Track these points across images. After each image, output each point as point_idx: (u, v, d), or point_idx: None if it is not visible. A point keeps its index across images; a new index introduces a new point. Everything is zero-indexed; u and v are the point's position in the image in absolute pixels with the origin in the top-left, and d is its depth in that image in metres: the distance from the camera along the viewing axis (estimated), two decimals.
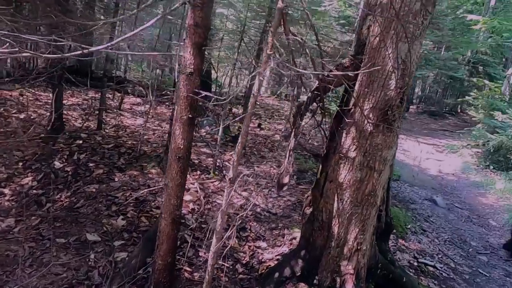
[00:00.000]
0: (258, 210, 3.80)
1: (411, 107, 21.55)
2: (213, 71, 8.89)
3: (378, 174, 2.39)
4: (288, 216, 3.79)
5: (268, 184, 4.30)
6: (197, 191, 3.92)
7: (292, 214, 3.84)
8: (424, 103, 23.05)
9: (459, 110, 20.14)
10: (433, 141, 11.99)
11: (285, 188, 2.50)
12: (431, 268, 3.48)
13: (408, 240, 3.97)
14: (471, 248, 4.33)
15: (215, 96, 1.87)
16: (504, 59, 19.26)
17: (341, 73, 2.13)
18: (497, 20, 10.35)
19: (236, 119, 5.77)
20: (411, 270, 3.30)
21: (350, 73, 2.09)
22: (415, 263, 3.47)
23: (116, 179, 3.89)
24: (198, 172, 4.47)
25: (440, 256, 3.88)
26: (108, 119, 6.06)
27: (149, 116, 5.04)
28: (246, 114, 2.07)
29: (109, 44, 1.65)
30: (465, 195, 6.63)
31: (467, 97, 10.25)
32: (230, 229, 2.16)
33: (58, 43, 1.49)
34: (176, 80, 4.15)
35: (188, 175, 3.40)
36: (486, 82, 11.41)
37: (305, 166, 5.39)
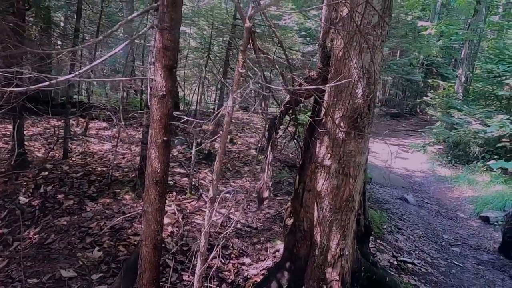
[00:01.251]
0: (239, 226, 3.77)
1: (373, 110, 22.35)
2: (179, 90, 8.84)
3: (353, 180, 2.47)
4: (269, 229, 3.80)
5: (246, 199, 4.29)
6: (174, 213, 3.84)
7: (273, 226, 3.85)
8: (385, 105, 24.11)
9: (418, 110, 21.24)
10: (398, 142, 12.54)
11: (265, 202, 2.51)
12: (410, 265, 3.60)
13: (386, 240, 4.10)
14: (444, 241, 4.53)
15: (189, 118, 1.87)
16: (453, 60, 20.64)
17: (312, 87, 2.21)
18: (444, 24, 11.14)
19: (213, 137, 5.77)
20: (391, 269, 3.39)
21: (321, 87, 2.16)
22: (395, 262, 3.58)
23: (88, 209, 3.73)
24: (174, 193, 4.38)
25: (417, 252, 4.03)
26: (73, 146, 5.82)
27: (117, 141, 4.90)
28: (222, 133, 2.09)
29: (77, 72, 1.61)
30: (433, 191, 6.96)
31: (425, 98, 10.87)
32: (214, 248, 2.14)
33: (23, 76, 1.43)
34: (148, 103, 4.10)
35: None
36: (441, 82, 12.20)
37: (280, 177, 5.44)
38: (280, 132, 2.84)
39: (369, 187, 6.38)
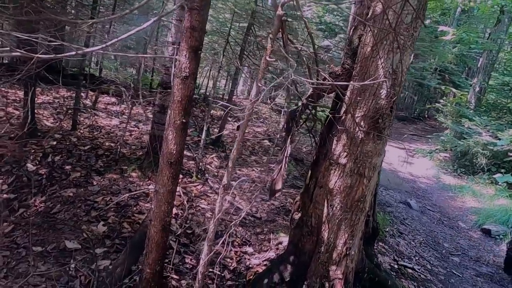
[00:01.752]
0: (243, 214, 3.76)
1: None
2: None
3: (367, 181, 2.44)
4: (273, 220, 3.79)
5: (258, 190, 4.28)
6: (180, 196, 3.84)
7: (277, 218, 3.85)
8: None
9: (426, 116, 21.05)
10: (402, 146, 12.46)
11: (277, 194, 2.49)
12: (410, 270, 3.60)
13: (388, 243, 4.09)
14: (444, 250, 4.53)
15: (219, 101, 1.83)
16: (467, 68, 20.35)
17: (338, 83, 2.16)
18: (465, 31, 10.94)
19: (222, 124, 5.70)
20: (392, 273, 3.39)
21: (347, 84, 2.12)
22: (396, 266, 3.58)
23: (95, 183, 3.73)
24: (181, 176, 4.37)
25: (417, 258, 4.03)
26: (82, 119, 5.81)
27: (128, 117, 4.87)
28: (242, 121, 2.06)
29: (104, 45, 1.57)
30: (436, 198, 6.93)
31: (436, 104, 10.75)
32: (224, 236, 2.13)
33: (52, 43, 1.40)
34: (165, 83, 4.05)
35: None
36: (454, 90, 12.03)
37: (287, 171, 5.42)
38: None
39: None
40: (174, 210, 3.53)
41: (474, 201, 6.85)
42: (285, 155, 2.27)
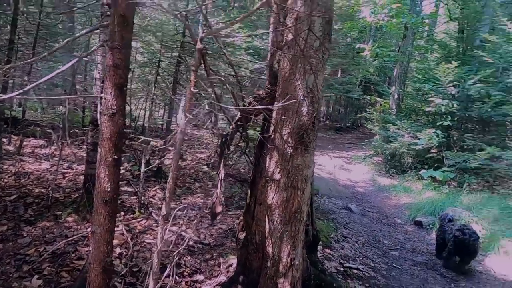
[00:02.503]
0: (191, 243, 3.74)
1: (319, 125, 23.57)
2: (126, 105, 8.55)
3: (301, 192, 2.62)
4: (222, 244, 3.81)
5: (199, 215, 4.27)
6: (123, 234, 3.70)
7: (225, 241, 3.88)
8: (330, 120, 25.45)
9: (359, 124, 22.69)
10: (342, 154, 13.27)
11: (219, 217, 2.56)
12: (355, 271, 3.84)
13: (333, 248, 4.32)
14: (384, 246, 4.89)
15: (146, 138, 1.88)
16: (387, 78, 22.48)
17: (262, 107, 2.33)
18: (378, 47, 12.20)
19: (163, 154, 5.64)
20: (339, 276, 3.59)
21: (270, 106, 2.30)
22: (341, 268, 3.79)
23: (25, 234, 3.45)
24: (122, 213, 4.22)
25: (361, 258, 4.30)
26: (5, 166, 5.35)
27: (59, 159, 4.61)
28: (174, 151, 2.12)
29: (23, 90, 1.55)
30: (373, 200, 7.47)
31: (364, 113, 11.71)
32: (168, 267, 2.12)
33: None
34: (98, 121, 3.93)
35: None
36: (378, 99, 13.23)
37: (232, 192, 5.49)
38: (231, 148, 2.92)
39: (316, 198, 6.67)
40: (118, 250, 3.39)
41: (406, 197, 7.50)
42: (220, 178, 2.36)
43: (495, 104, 7.90)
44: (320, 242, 4.27)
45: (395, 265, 4.30)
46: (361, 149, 13.26)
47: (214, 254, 3.57)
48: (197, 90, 1.86)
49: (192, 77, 2.01)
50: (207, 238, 3.92)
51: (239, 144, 2.74)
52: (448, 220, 4.63)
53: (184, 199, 5.12)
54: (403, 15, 9.79)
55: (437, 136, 7.96)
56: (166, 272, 2.14)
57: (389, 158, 9.51)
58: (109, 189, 2.12)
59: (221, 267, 3.34)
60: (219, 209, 2.42)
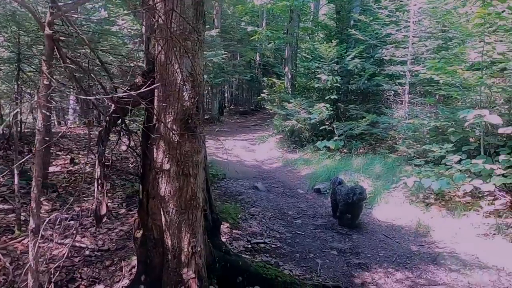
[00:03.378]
0: (87, 252, 3.42)
1: (225, 110, 23.90)
2: None
3: (194, 179, 2.58)
4: (123, 247, 3.58)
5: (78, 223, 3.91)
6: None
7: (128, 243, 3.65)
8: (234, 105, 25.87)
9: (262, 106, 23.60)
10: (248, 136, 13.67)
11: (104, 219, 2.36)
12: (262, 245, 4.02)
13: (241, 228, 4.44)
14: (289, 217, 5.23)
15: None
16: (283, 60, 23.73)
17: (133, 92, 2.18)
18: (269, 30, 12.69)
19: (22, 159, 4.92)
20: (247, 253, 3.72)
21: (142, 91, 2.16)
22: (249, 245, 3.93)
23: None
24: None
25: (268, 232, 4.53)
26: None
27: None
28: (34, 153, 1.85)
29: None
30: (278, 175, 7.91)
31: (262, 95, 12.19)
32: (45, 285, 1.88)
33: None
34: None
35: None
36: (274, 80, 13.87)
37: (132, 190, 5.17)
38: (116, 143, 2.71)
39: (224, 183, 6.76)
40: None
41: (306, 168, 8.12)
42: (97, 177, 2.16)
43: (370, 77, 9.01)
44: (228, 224, 4.35)
45: (298, 232, 4.64)
46: (265, 129, 13.84)
47: (115, 259, 3.33)
48: (48, 83, 1.63)
49: (43, 67, 1.76)
50: (106, 244, 3.63)
51: (121, 138, 2.54)
52: (338, 183, 5.16)
53: (78, 206, 4.63)
54: None
55: (327, 109, 8.75)
56: None
57: (289, 134, 10.13)
58: None
59: (124, 271, 3.14)
60: (103, 210, 2.23)
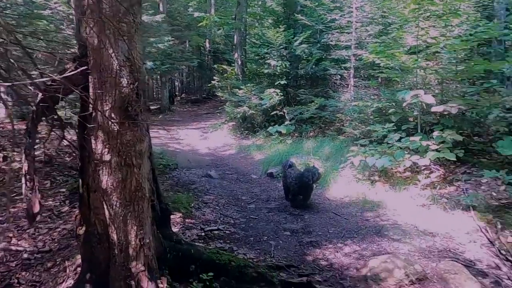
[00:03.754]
0: (25, 255, 3.17)
1: (176, 99, 23.27)
2: None
3: (138, 169, 2.47)
4: (67, 246, 3.37)
5: (6, 224, 3.63)
6: None
7: (72, 242, 3.43)
8: (186, 93, 25.23)
9: (214, 94, 23.29)
10: (201, 125, 13.45)
11: (38, 217, 2.18)
12: (216, 232, 4.01)
13: (194, 217, 4.39)
14: (242, 202, 5.26)
15: None
16: (233, 46, 23.45)
17: (57, 76, 2.00)
18: (217, 16, 12.43)
19: None
20: (200, 241, 3.69)
21: (72, 73, 1.99)
22: (203, 233, 3.90)
23: None
24: None
25: (222, 218, 4.52)
26: None
27: None
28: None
29: None
30: (232, 162, 7.90)
31: (212, 82, 12.01)
32: None
33: None
34: None
35: None
36: (225, 66, 13.69)
37: (75, 186, 4.86)
38: (48, 135, 2.50)
39: (176, 173, 6.61)
40: None
41: (260, 154, 8.20)
42: (24, 173, 1.99)
43: (317, 61, 9.23)
44: (180, 214, 4.28)
45: (252, 217, 4.70)
46: (218, 117, 13.70)
47: (58, 260, 3.13)
48: None
49: None
50: (47, 245, 3.39)
51: (53, 130, 2.35)
52: (289, 166, 5.29)
53: (13, 207, 4.26)
54: None
55: (277, 94, 8.86)
56: None
57: (241, 121, 10.13)
58: None
59: (68, 271, 2.96)
60: (36, 208, 2.06)
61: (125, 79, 2.36)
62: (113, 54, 2.31)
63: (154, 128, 12.57)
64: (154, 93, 24.98)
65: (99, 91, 2.32)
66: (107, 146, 2.37)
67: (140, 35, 2.51)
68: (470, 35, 5.77)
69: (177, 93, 25.00)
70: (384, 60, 6.53)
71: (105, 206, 2.45)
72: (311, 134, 8.99)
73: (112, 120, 2.34)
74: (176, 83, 26.17)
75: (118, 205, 2.42)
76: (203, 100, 22.00)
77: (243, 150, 8.79)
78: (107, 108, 2.34)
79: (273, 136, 8.94)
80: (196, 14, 12.27)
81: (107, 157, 2.38)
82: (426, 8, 6.15)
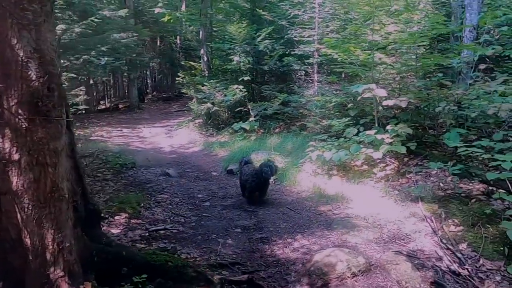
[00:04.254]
0: None
1: (147, 97, 22.76)
2: None
3: (53, 168, 2.31)
4: None
5: None
6: None
7: None
8: (157, 91, 24.70)
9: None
10: (168, 123, 13.20)
11: None
12: (162, 232, 3.88)
13: (142, 217, 4.24)
14: (197, 200, 5.14)
15: None
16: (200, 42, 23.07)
17: None
18: (179, 12, 12.18)
19: None
20: (142, 241, 3.55)
21: None
22: (147, 234, 3.76)
23: None
24: None
25: (172, 218, 4.39)
26: None
27: None
28: None
29: None
30: (194, 160, 7.75)
31: (177, 78, 11.77)
32: None
33: None
34: None
35: None
36: (192, 63, 13.44)
37: None
38: None
39: (133, 172, 6.41)
40: None
41: (223, 151, 8.09)
42: None
43: (280, 57, 9.20)
44: (126, 214, 4.12)
45: (205, 215, 4.59)
46: (187, 115, 13.46)
47: None
48: None
49: None
50: None
51: None
52: (245, 163, 5.22)
53: None
54: None
55: (240, 91, 8.76)
56: None
57: (206, 118, 9.97)
58: None
59: None
60: None
61: (34, 72, 2.20)
62: (18, 45, 2.14)
63: (119, 126, 12.23)
64: (126, 91, 24.15)
65: (2, 85, 2.14)
66: (15, 145, 2.20)
67: (51, 24, 2.34)
68: (426, 31, 5.89)
69: (148, 90, 24.45)
70: (342, 55, 6.56)
71: (16, 209, 2.28)
72: (276, 130, 8.95)
73: (20, 117, 2.17)
74: (148, 81, 25.60)
75: (31, 208, 2.26)
76: (175, 97, 21.61)
77: (207, 147, 8.66)
78: (13, 103, 2.17)
79: (238, 132, 8.84)
80: (156, 10, 11.96)
81: (15, 157, 2.21)
82: (384, 3, 6.22)
